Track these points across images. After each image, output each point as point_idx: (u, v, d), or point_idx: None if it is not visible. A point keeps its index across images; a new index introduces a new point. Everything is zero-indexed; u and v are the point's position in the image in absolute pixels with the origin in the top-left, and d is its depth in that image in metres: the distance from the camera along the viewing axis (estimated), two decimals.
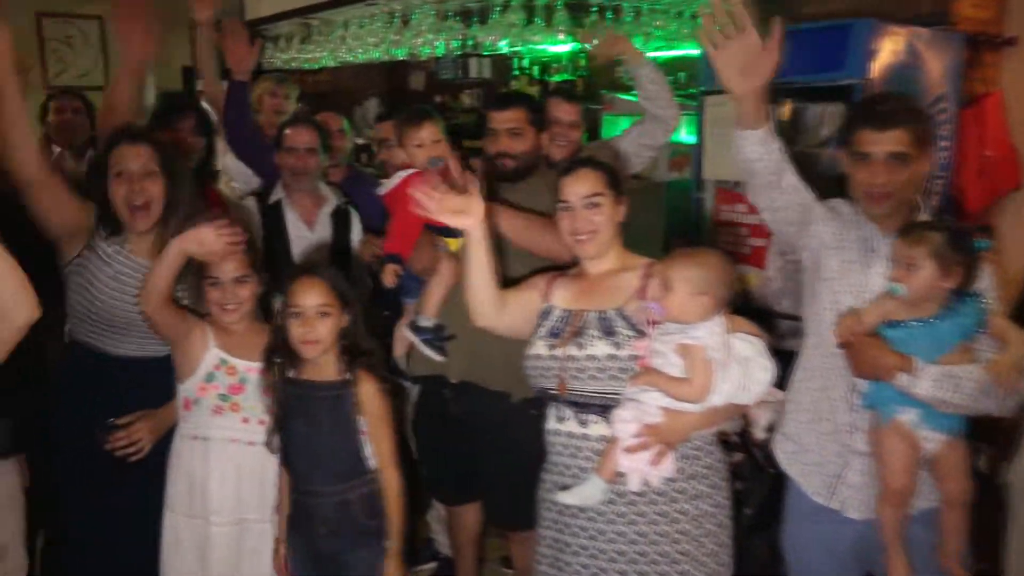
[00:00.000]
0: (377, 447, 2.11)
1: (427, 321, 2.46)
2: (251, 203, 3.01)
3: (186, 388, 2.21)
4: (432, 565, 3.19)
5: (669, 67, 3.43)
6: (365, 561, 2.10)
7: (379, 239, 2.82)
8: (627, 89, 4.57)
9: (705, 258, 1.85)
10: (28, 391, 2.28)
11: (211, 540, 2.17)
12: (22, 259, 1.64)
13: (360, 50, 4.22)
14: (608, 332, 1.92)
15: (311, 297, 2.07)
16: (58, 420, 2.36)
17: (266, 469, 2.18)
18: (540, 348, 2.00)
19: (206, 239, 2.09)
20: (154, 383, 2.31)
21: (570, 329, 1.97)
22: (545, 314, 2.06)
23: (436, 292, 2.43)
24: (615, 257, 2.05)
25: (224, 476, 2.17)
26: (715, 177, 3.23)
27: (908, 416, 1.79)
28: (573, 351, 1.94)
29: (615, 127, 3.94)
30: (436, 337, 2.46)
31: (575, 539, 1.95)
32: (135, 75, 2.63)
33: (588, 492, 1.86)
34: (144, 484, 2.25)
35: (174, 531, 2.21)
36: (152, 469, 2.25)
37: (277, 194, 2.99)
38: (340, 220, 3.01)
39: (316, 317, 2.06)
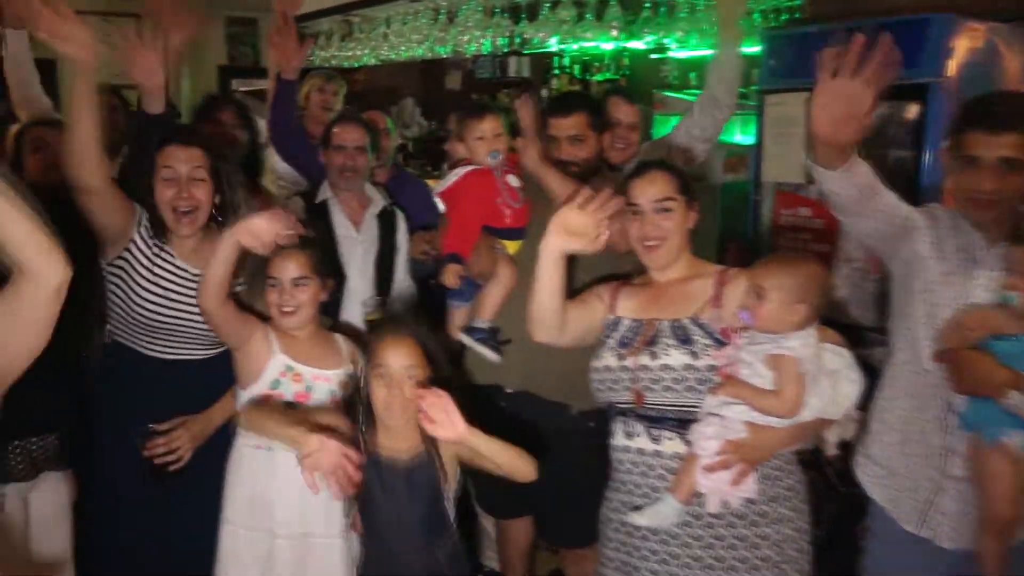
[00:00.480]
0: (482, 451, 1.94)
1: (482, 323, 2.36)
2: (298, 203, 2.92)
3: (249, 395, 2.11)
4: None
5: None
6: None
7: (429, 234, 2.76)
8: (675, 87, 4.47)
9: (802, 265, 1.75)
10: (73, 403, 2.22)
11: (275, 555, 2.06)
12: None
13: (403, 47, 4.14)
14: (684, 341, 1.81)
15: (399, 358, 1.90)
16: (98, 425, 2.28)
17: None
18: (609, 359, 1.90)
19: (259, 229, 1.98)
20: (196, 386, 2.25)
21: (641, 338, 1.87)
22: (612, 325, 1.95)
23: (494, 297, 2.33)
24: (685, 264, 1.95)
25: (289, 488, 2.03)
26: (775, 179, 3.10)
27: (1016, 438, 1.66)
28: (646, 361, 1.83)
29: (666, 127, 3.82)
30: (491, 338, 2.36)
31: (644, 563, 1.85)
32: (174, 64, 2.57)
33: (662, 513, 1.75)
34: (193, 493, 2.17)
35: (233, 544, 2.09)
36: (202, 478, 2.16)
37: (323, 194, 2.90)
38: (386, 222, 2.92)
39: (404, 380, 1.89)
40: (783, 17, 3.58)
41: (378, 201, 2.92)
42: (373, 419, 1.95)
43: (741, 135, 3.45)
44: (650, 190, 1.90)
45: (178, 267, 2.21)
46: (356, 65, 4.60)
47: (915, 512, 1.87)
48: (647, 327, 1.88)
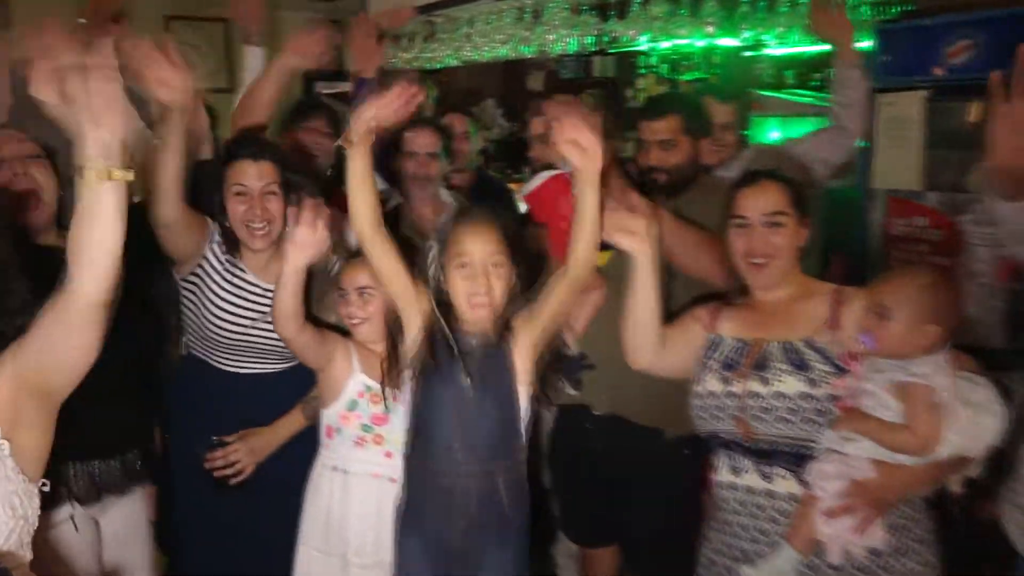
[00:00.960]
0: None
1: (568, 351, 2.21)
2: None
3: (328, 415, 2.03)
4: None
5: (829, 63, 3.08)
6: (504, 566, 1.79)
7: None
8: (772, 86, 4.24)
9: (931, 280, 1.55)
10: (149, 420, 2.18)
11: None
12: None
13: (486, 48, 4.02)
14: (799, 366, 1.63)
15: (482, 244, 1.74)
16: (174, 438, 2.25)
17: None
18: (713, 384, 1.72)
19: (304, 242, 1.88)
20: (269, 399, 2.19)
21: (748, 360, 1.69)
22: (713, 345, 1.78)
23: (582, 314, 2.18)
24: (794, 283, 1.76)
25: (364, 513, 1.96)
26: (887, 185, 2.86)
27: None
28: (756, 387, 1.65)
29: (764, 128, 3.61)
30: (577, 367, 2.21)
31: None
32: (285, 75, 2.55)
33: (778, 566, 1.58)
34: (271, 510, 2.12)
35: (307, 567, 2.02)
36: (278, 495, 2.11)
37: (395, 200, 2.80)
38: None
39: (487, 270, 1.74)
40: (894, 10, 3.33)
41: (453, 207, 2.81)
42: (451, 312, 1.78)
43: None
44: (760, 202, 1.73)
45: (250, 282, 2.15)
46: (438, 67, 4.52)
47: None
48: (753, 348, 1.70)
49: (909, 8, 3.22)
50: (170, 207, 2.00)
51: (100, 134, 1.17)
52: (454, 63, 4.42)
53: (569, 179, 2.15)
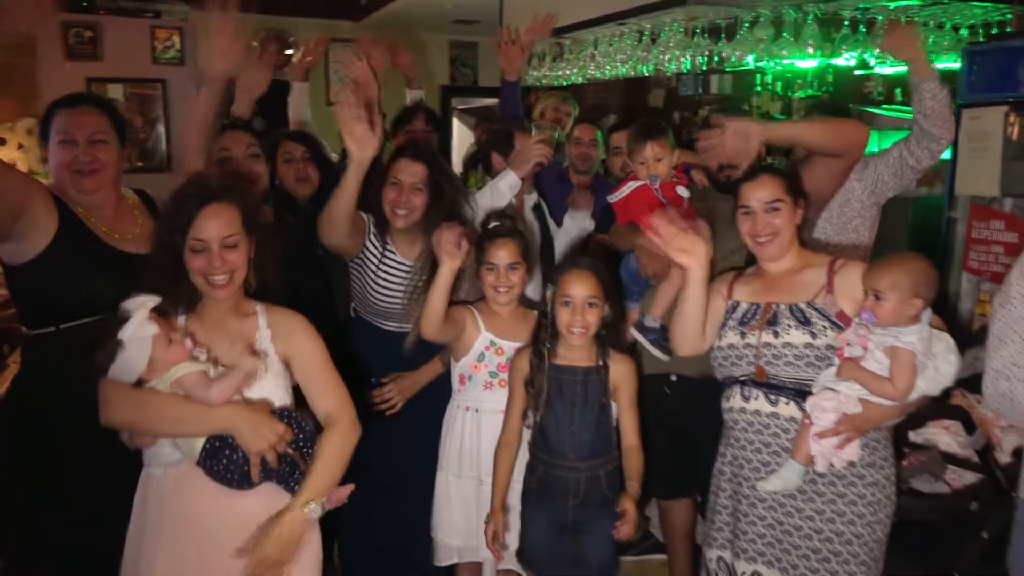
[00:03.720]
0: (626, 424, 2.32)
1: (654, 322, 2.60)
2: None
3: (461, 366, 2.53)
4: (662, 556, 3.29)
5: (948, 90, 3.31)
6: (605, 528, 2.29)
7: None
8: (877, 103, 4.46)
9: (912, 263, 1.92)
10: None
11: (482, 498, 2.46)
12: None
13: (608, 67, 4.44)
14: (803, 322, 2.03)
15: (582, 288, 2.26)
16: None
17: (524, 439, 2.42)
18: (732, 338, 2.13)
19: (449, 248, 2.26)
20: (416, 351, 2.62)
21: (761, 319, 2.08)
22: (731, 309, 2.17)
23: (666, 296, 2.54)
24: (795, 256, 2.15)
25: (493, 442, 2.44)
26: (969, 193, 3.11)
27: None
28: (769, 338, 2.05)
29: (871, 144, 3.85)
30: (662, 337, 2.59)
31: (753, 510, 2.08)
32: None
33: (788, 477, 1.98)
34: (416, 446, 2.60)
35: (446, 488, 2.53)
36: (423, 432, 2.59)
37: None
38: (539, 215, 3.28)
39: (585, 307, 2.26)
40: (994, 31, 3.54)
41: (532, 196, 3.26)
42: (557, 336, 2.31)
43: None
44: (760, 192, 2.12)
45: (400, 263, 2.65)
46: (565, 84, 4.96)
47: None
48: (765, 309, 2.09)
49: (1007, 31, 3.44)
50: (340, 236, 2.50)
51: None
52: (580, 81, 4.86)
53: (650, 188, 2.53)
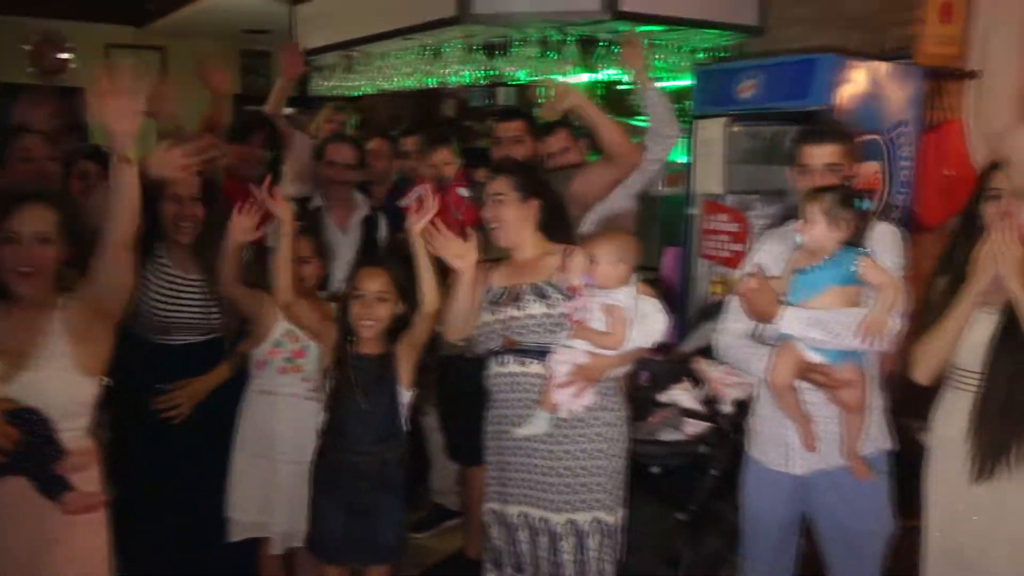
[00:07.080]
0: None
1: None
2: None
3: (258, 352, 2.69)
4: (457, 520, 3.60)
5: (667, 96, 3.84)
6: (394, 511, 2.51)
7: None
8: (638, 115, 5.02)
9: (617, 235, 2.36)
10: None
11: (278, 477, 2.63)
12: None
13: (396, 79, 4.71)
14: (541, 296, 2.40)
15: (372, 283, 2.44)
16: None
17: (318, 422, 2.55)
18: (486, 316, 2.46)
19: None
20: (197, 363, 2.74)
21: (507, 298, 2.44)
22: (487, 293, 2.51)
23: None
24: (536, 245, 2.51)
25: (287, 424, 2.62)
26: (702, 191, 3.65)
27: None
28: (514, 312, 2.40)
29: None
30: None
31: (513, 458, 2.43)
32: None
33: (538, 424, 2.34)
34: (207, 443, 2.70)
35: (242, 467, 2.67)
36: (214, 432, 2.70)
37: (316, 202, 3.52)
38: (370, 225, 3.53)
39: (375, 302, 2.43)
40: (721, 55, 4.17)
41: (363, 207, 3.52)
42: (352, 330, 2.47)
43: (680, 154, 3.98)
44: (489, 187, 2.49)
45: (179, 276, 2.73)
46: (356, 95, 5.18)
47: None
48: (512, 290, 2.45)
49: (721, 55, 4.07)
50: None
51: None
52: (370, 91, 5.10)
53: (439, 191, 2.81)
